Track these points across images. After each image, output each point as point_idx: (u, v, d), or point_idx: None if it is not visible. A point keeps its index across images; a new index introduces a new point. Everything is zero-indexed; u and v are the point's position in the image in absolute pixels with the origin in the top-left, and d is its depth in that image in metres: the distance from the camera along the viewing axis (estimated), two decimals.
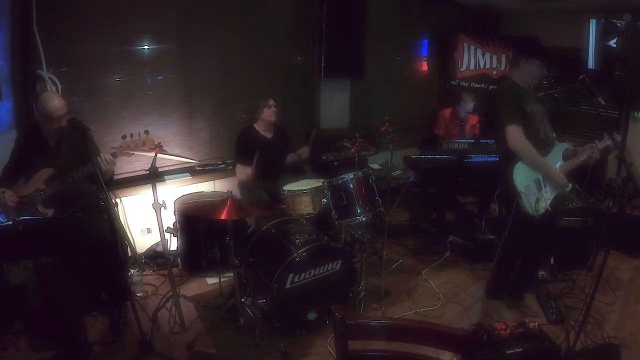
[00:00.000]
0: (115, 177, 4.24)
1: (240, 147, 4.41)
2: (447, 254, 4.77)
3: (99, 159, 3.05)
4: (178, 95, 4.75)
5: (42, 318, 3.23)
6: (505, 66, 6.68)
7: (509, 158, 3.33)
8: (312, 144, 4.58)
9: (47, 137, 3.32)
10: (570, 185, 3.43)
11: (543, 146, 3.34)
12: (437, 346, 1.75)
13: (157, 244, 4.56)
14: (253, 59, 5.16)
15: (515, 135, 3.24)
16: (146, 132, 3.15)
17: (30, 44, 3.71)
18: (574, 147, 3.46)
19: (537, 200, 3.30)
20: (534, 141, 3.29)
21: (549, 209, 3.33)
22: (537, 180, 3.35)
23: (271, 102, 4.39)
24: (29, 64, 3.75)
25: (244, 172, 4.20)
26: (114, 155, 3.16)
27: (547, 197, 3.36)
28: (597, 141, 3.32)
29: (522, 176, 3.31)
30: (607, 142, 3.27)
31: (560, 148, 3.45)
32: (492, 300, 3.85)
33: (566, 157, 3.44)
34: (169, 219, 3.69)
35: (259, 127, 4.46)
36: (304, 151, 4.61)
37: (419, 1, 6.59)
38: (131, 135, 3.09)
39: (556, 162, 3.41)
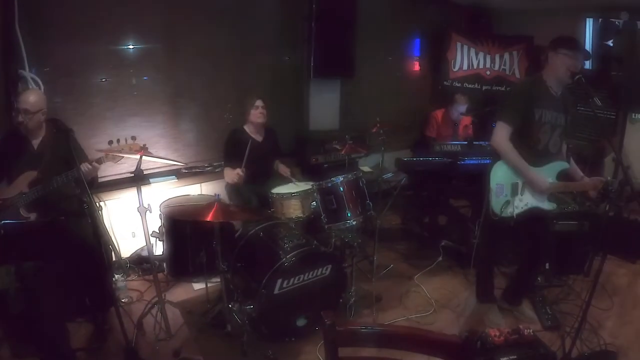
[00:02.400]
0: (100, 180, 4.17)
1: (228, 149, 4.33)
2: (440, 258, 4.72)
3: (81, 166, 2.98)
4: (164, 96, 4.70)
5: (24, 324, 3.16)
6: (499, 66, 6.64)
7: (495, 154, 3.34)
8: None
9: (30, 139, 3.27)
10: (551, 202, 3.38)
11: (537, 157, 3.27)
12: (430, 353, 1.72)
13: (142, 249, 4.50)
14: (241, 59, 5.12)
15: (499, 133, 3.25)
16: (133, 137, 3.10)
17: (12, 43, 3.67)
18: (581, 177, 3.34)
19: (506, 203, 3.27)
20: (528, 148, 3.24)
21: (514, 217, 3.27)
22: (515, 185, 3.30)
23: (258, 102, 4.31)
24: (11, 64, 3.71)
25: (232, 174, 4.12)
26: (100, 160, 3.12)
27: (519, 205, 3.31)
28: (609, 178, 3.21)
29: (499, 175, 3.30)
30: (615, 186, 3.20)
31: (557, 165, 3.33)
32: (483, 304, 3.81)
33: (563, 177, 3.36)
34: (155, 222, 3.67)
35: (248, 128, 4.39)
36: (283, 170, 4.53)
37: None
38: (118, 141, 3.04)
39: (547, 178, 3.30)
